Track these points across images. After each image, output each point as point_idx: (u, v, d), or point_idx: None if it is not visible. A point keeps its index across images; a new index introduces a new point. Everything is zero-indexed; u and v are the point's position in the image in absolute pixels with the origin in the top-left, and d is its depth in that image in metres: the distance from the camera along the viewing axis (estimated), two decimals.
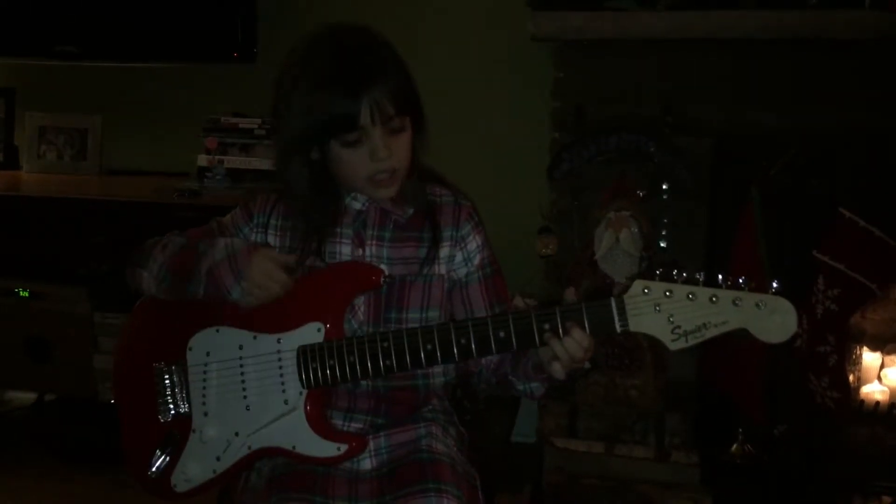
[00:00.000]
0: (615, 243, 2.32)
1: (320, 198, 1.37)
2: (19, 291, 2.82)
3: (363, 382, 1.37)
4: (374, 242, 1.39)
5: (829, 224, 2.35)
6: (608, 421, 2.42)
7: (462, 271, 1.42)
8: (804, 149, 2.46)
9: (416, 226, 1.40)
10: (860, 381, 2.48)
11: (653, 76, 2.58)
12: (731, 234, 2.48)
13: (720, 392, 2.49)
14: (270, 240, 1.42)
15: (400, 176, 1.35)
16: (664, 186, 2.50)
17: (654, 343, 2.35)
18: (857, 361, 2.48)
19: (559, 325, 1.23)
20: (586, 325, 1.22)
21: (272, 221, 1.42)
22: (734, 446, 2.48)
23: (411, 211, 1.40)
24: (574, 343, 1.22)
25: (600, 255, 2.34)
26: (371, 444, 1.38)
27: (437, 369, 1.41)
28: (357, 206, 1.40)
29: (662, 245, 2.48)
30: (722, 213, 2.56)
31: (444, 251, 1.40)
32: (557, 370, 1.25)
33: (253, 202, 1.45)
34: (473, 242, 1.42)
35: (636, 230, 2.32)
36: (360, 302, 1.37)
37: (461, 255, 1.41)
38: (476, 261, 1.42)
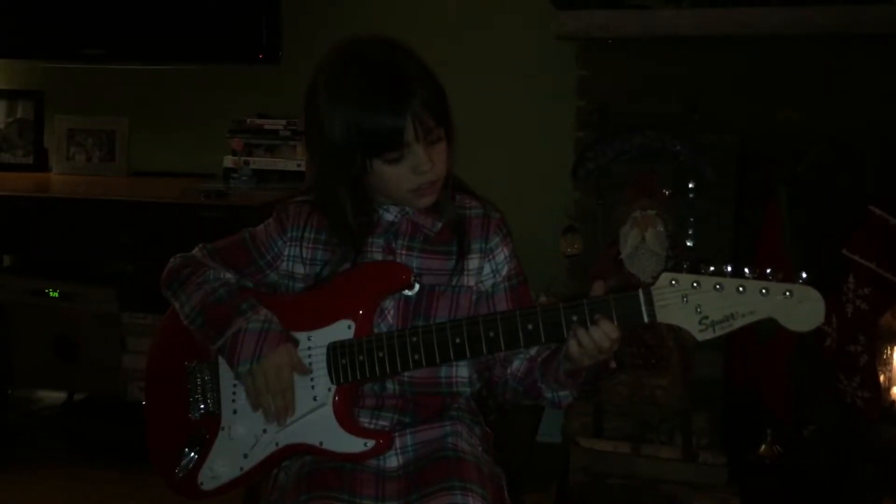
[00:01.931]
0: (641, 242, 2.31)
1: (357, 211, 1.38)
2: (49, 292, 2.86)
3: (389, 387, 1.38)
4: (403, 252, 1.40)
5: (858, 222, 2.33)
6: (634, 421, 2.41)
7: (489, 282, 1.43)
8: (831, 146, 2.43)
9: (445, 239, 1.41)
10: (891, 382, 2.45)
11: (677, 74, 2.56)
12: (757, 232, 2.46)
13: (747, 391, 2.47)
14: (304, 252, 1.42)
15: (440, 185, 1.37)
16: (690, 185, 2.48)
17: (680, 342, 2.36)
18: (888, 361, 2.45)
19: (587, 317, 1.23)
20: (614, 317, 1.22)
21: (306, 234, 1.42)
22: (763, 447, 2.46)
23: (440, 224, 1.41)
24: (601, 333, 1.23)
25: (626, 255, 2.33)
26: (397, 442, 1.39)
27: (462, 377, 1.41)
28: (389, 217, 1.41)
29: (689, 244, 2.46)
30: (748, 212, 2.54)
31: (473, 263, 1.41)
32: (581, 355, 1.24)
33: (286, 214, 1.44)
34: (501, 254, 1.43)
35: (662, 229, 2.31)
36: (390, 307, 1.38)
37: (489, 267, 1.42)
38: (504, 272, 1.43)
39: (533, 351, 1.39)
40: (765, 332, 2.32)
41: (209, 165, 2.96)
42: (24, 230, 2.72)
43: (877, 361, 2.37)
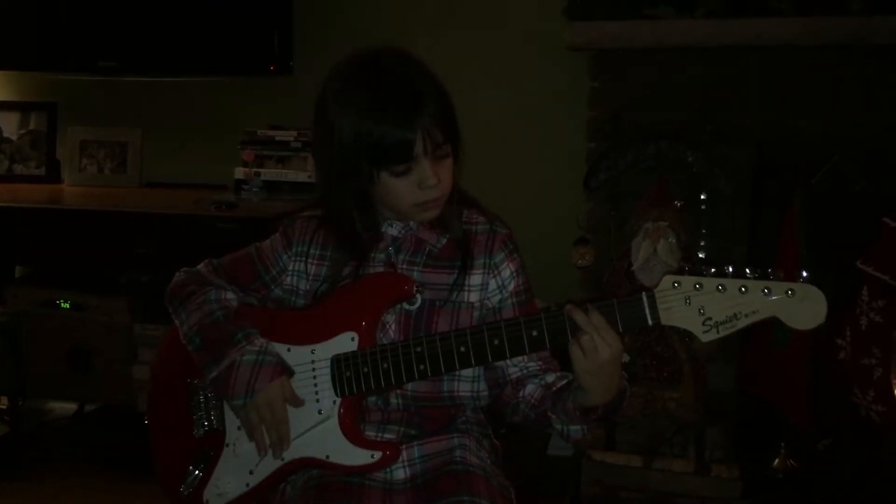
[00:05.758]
0: (653, 254, 2.29)
1: (363, 225, 1.37)
2: (61, 303, 2.87)
3: (393, 401, 1.37)
4: (404, 266, 1.39)
5: (873, 233, 2.31)
6: (647, 434, 2.39)
7: (496, 298, 1.41)
8: (847, 155, 2.42)
9: (448, 254, 1.40)
10: None
11: (691, 83, 2.55)
12: (772, 243, 2.44)
13: (762, 401, 2.45)
14: (309, 268, 1.42)
15: (444, 200, 1.36)
16: (703, 196, 2.47)
17: (693, 355, 2.34)
18: None
19: None
20: (618, 321, 1.21)
21: (311, 250, 1.42)
22: (776, 460, 2.44)
23: (444, 240, 1.40)
24: (601, 338, 1.20)
25: (638, 266, 2.32)
26: (404, 454, 1.38)
27: (465, 392, 1.40)
28: (393, 232, 1.40)
29: (701, 255, 2.44)
30: (763, 222, 2.52)
31: (475, 279, 1.39)
32: (584, 366, 1.22)
33: (292, 229, 1.44)
34: (507, 270, 1.41)
35: (674, 240, 2.29)
36: (391, 321, 1.37)
37: (495, 283, 1.41)
38: (511, 287, 1.41)
39: (550, 378, 1.37)
40: (780, 339, 2.31)
41: (221, 176, 2.96)
42: (36, 241, 2.73)
43: (891, 374, 2.34)
